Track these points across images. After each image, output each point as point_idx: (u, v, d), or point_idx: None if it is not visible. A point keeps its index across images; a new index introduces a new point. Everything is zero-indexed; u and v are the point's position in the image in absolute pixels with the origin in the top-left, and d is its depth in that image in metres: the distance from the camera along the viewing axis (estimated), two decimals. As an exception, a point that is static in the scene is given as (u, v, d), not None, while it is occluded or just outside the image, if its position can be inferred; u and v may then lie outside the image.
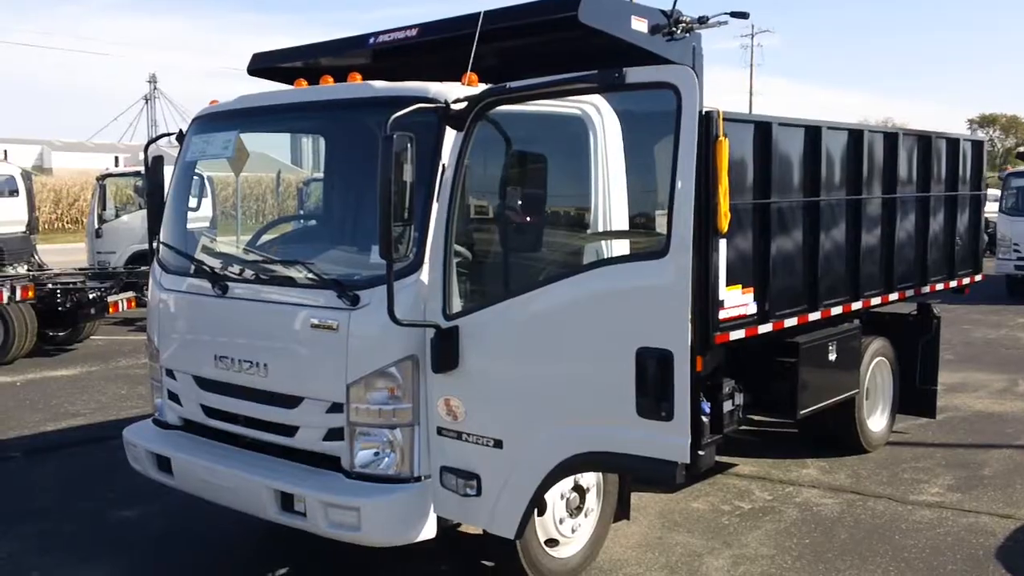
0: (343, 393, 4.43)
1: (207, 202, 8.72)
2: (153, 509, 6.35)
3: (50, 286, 12.08)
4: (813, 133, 6.43)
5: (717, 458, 7.10)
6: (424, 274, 4.32)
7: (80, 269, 14.66)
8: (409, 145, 3.89)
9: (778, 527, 6.11)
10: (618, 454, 3.83)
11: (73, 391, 10.23)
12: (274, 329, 4.77)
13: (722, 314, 5.72)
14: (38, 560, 5.58)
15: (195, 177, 5.76)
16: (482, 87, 4.43)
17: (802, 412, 6.56)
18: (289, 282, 4.77)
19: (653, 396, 3.70)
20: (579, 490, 5.07)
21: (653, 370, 3.68)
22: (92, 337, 13.32)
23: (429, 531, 4.44)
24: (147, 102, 70.22)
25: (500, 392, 4.16)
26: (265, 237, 5.57)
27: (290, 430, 4.71)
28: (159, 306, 5.44)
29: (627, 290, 3.78)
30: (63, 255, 20.69)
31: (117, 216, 16.49)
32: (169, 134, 5.85)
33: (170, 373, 5.34)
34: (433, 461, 4.40)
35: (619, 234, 4.75)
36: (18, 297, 9.89)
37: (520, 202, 4.27)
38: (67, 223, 40.94)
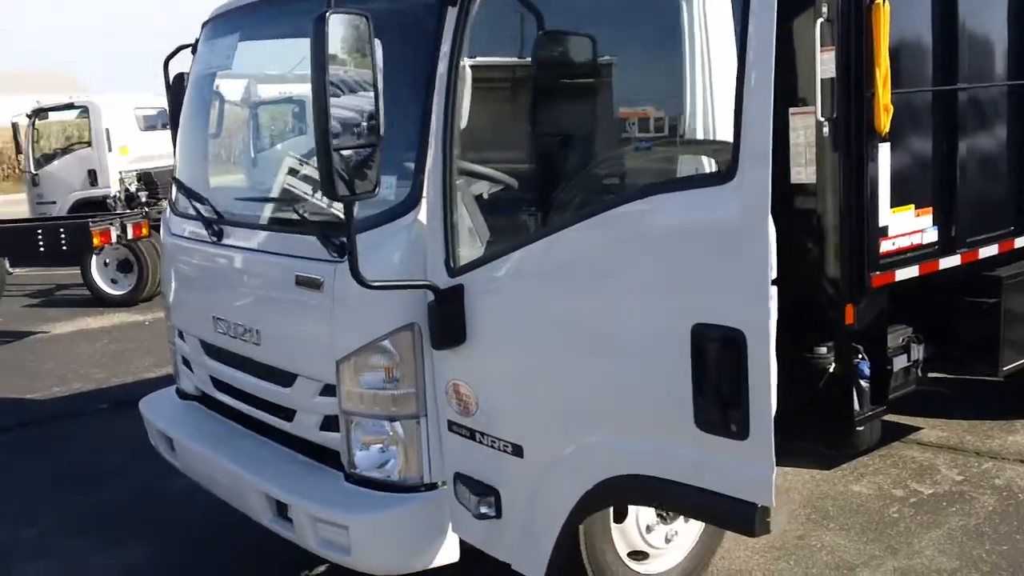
0: (333, 372, 3.37)
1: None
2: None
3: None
4: (1021, -9, 4.64)
5: (896, 419, 5.65)
6: (423, 213, 3.14)
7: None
8: (359, 29, 2.67)
9: (966, 524, 4.59)
10: (670, 483, 2.54)
11: (196, 331, 9.83)
12: (263, 286, 3.77)
13: (884, 245, 4.23)
14: (63, 543, 4.95)
15: (215, 95, 4.76)
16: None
17: (1007, 367, 4.93)
18: (279, 226, 3.73)
19: (716, 400, 2.38)
20: (676, 487, 3.80)
21: (716, 360, 2.35)
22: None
23: (447, 555, 3.33)
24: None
25: (515, 380, 2.96)
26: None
27: (288, 413, 3.72)
28: (167, 254, 4.56)
29: (675, 234, 2.43)
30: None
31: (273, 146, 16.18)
32: (186, 46, 4.87)
33: (181, 335, 4.48)
34: (447, 465, 3.27)
35: (674, 145, 3.31)
36: (130, 235, 9.55)
37: (554, 105, 2.99)
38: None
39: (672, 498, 2.64)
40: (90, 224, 8.86)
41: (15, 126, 13.99)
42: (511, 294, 2.92)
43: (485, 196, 3.36)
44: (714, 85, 3.56)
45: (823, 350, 4.36)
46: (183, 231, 4.36)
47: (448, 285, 3.01)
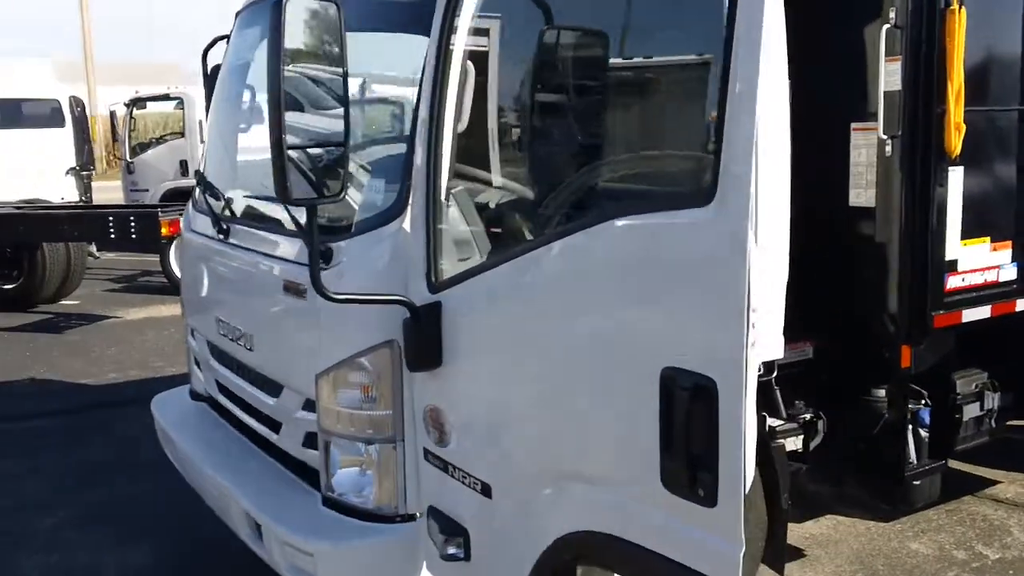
0: (313, 386, 3.14)
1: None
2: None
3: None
4: None
5: (971, 470, 5.15)
6: (408, 221, 2.87)
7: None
8: (326, 18, 2.42)
9: (1035, 599, 4.09)
10: (634, 546, 2.20)
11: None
12: (257, 289, 3.57)
13: (952, 281, 3.81)
14: (75, 536, 4.88)
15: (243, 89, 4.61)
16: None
17: (1096, 422, 4.42)
18: (276, 227, 3.52)
19: (684, 458, 2.03)
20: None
21: (684, 411, 2.01)
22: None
23: (421, 594, 3.06)
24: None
25: (484, 412, 2.66)
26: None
27: (276, 425, 3.51)
28: (184, 249, 4.44)
29: (644, 261, 2.10)
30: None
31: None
32: (223, 37, 4.74)
33: (194, 333, 4.34)
34: (423, 497, 2.99)
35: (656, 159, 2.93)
36: (195, 226, 9.62)
37: (557, 108, 2.70)
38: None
39: (630, 563, 2.28)
40: (159, 213, 8.93)
41: (112, 115, 14.35)
42: (480, 317, 2.62)
43: (492, 205, 3.09)
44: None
45: (881, 393, 3.95)
46: (198, 227, 4.22)
47: (425, 301, 2.74)
